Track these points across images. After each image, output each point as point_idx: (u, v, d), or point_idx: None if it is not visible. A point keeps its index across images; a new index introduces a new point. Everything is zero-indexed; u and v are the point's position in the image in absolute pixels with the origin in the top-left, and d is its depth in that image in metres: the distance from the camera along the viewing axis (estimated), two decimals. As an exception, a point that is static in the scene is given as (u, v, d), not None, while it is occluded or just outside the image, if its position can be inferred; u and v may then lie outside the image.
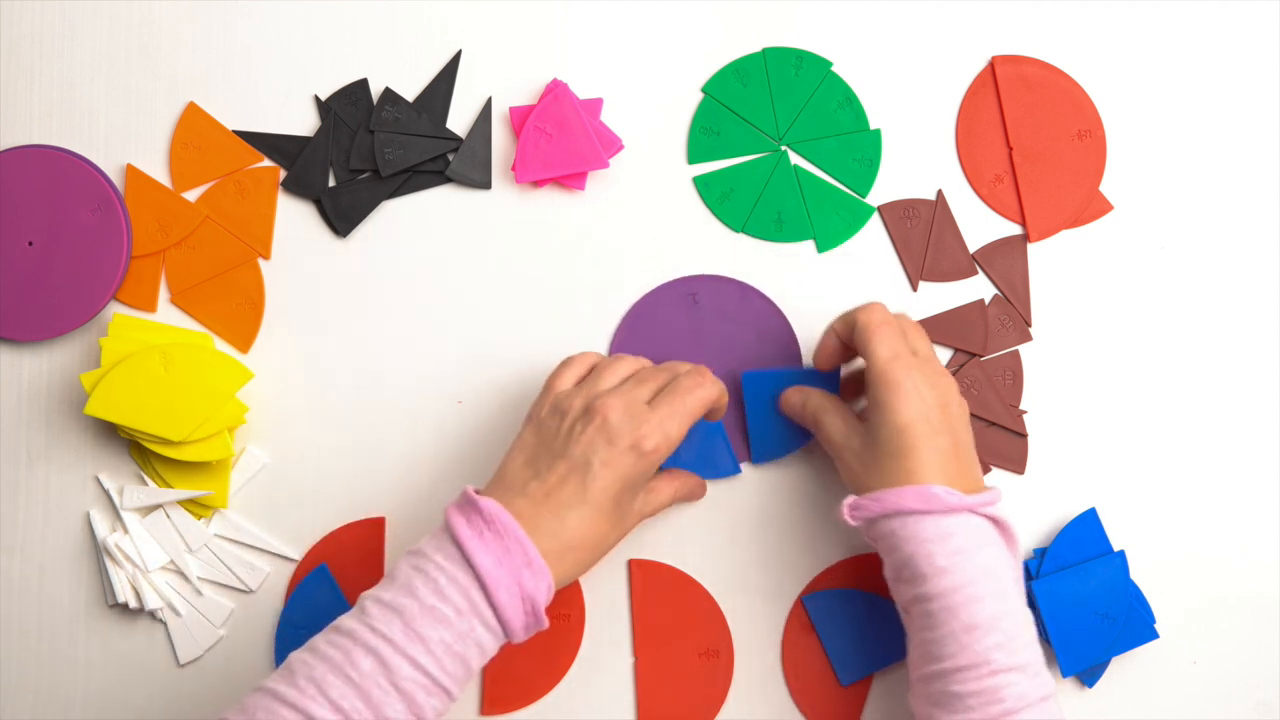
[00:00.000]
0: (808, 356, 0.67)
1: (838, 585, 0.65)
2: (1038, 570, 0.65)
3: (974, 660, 0.52)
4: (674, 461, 0.63)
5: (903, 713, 0.65)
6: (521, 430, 0.59)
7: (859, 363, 0.65)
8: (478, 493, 0.56)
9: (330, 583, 0.65)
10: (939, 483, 0.55)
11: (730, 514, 0.66)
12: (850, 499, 0.57)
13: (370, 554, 0.66)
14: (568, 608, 0.65)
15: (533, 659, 0.65)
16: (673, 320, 0.66)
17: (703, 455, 0.65)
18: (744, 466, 0.66)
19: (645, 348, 0.66)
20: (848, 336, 0.60)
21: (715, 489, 0.66)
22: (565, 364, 0.61)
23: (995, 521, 0.56)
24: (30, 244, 0.66)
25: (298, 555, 0.66)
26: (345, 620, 0.53)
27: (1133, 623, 0.64)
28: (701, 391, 0.58)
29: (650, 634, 0.65)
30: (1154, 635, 0.65)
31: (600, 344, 0.67)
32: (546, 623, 0.55)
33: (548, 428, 0.57)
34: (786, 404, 0.63)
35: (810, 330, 0.67)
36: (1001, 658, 0.52)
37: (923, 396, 0.56)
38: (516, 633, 0.54)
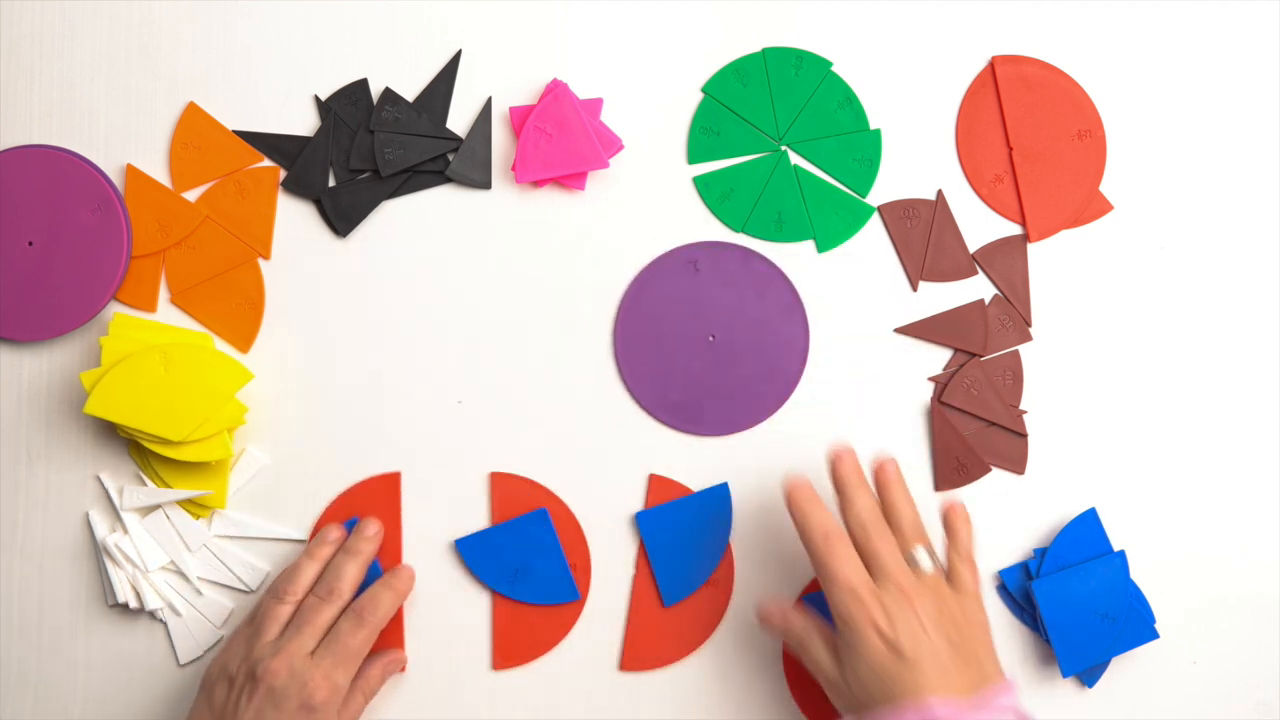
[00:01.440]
0: (811, 317, 0.66)
1: None
2: (1038, 570, 0.65)
3: None
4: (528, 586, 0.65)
5: None
6: (196, 699, 0.60)
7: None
8: None
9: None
10: (936, 691, 0.53)
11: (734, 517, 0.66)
12: None
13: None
14: (576, 558, 0.66)
15: (540, 614, 0.66)
16: (674, 288, 0.66)
17: (544, 582, 0.66)
18: (730, 486, 0.66)
19: (649, 318, 0.66)
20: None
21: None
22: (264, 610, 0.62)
23: (1010, 710, 0.54)
24: (30, 244, 0.66)
25: (303, 536, 0.66)
26: None
27: (1133, 623, 0.64)
28: (362, 634, 0.60)
29: (649, 588, 0.66)
30: (1154, 635, 0.65)
31: (600, 344, 0.67)
32: None
33: (216, 699, 0.59)
34: (765, 621, 0.61)
35: (812, 332, 0.67)
36: None
37: (883, 628, 0.55)
38: None
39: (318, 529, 0.66)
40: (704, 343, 0.66)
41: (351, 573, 0.63)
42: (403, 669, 0.65)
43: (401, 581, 0.64)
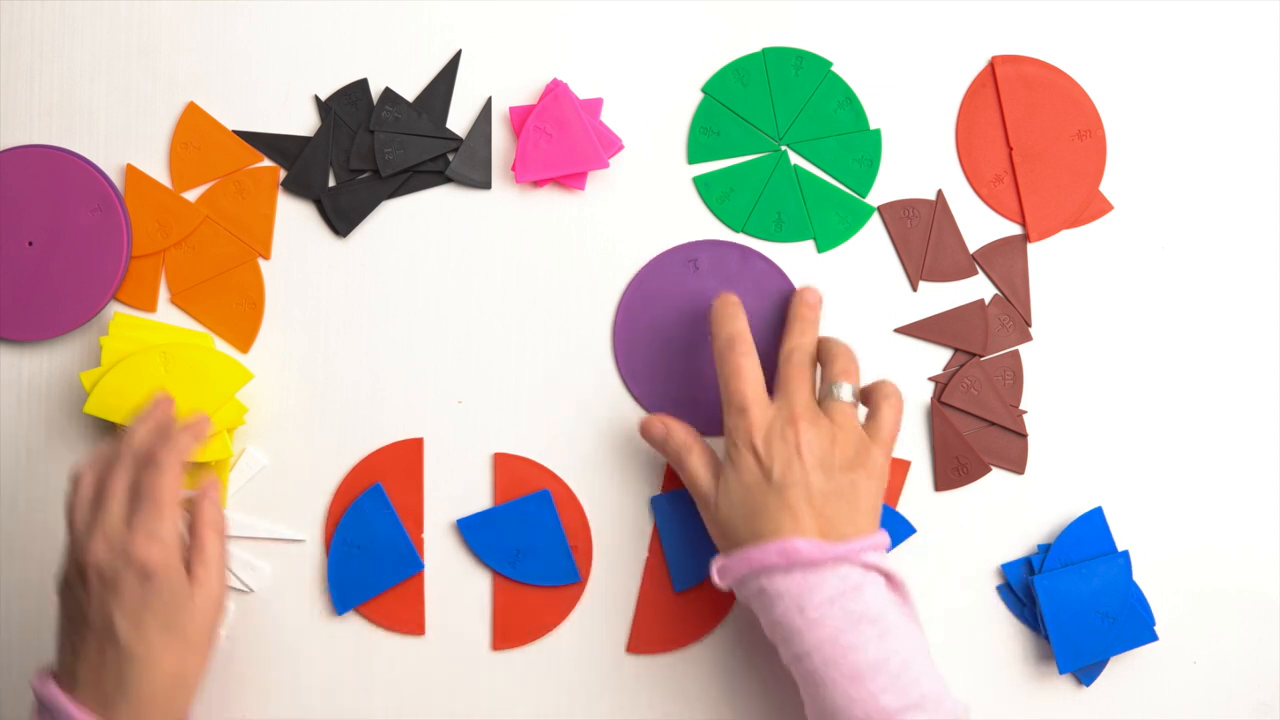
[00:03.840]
0: None
1: None
2: (1041, 565, 0.65)
3: (866, 711, 0.51)
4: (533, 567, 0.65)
5: None
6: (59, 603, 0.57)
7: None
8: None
9: (384, 501, 0.66)
10: (804, 534, 0.53)
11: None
12: (717, 561, 0.56)
13: (370, 554, 0.66)
14: (577, 540, 0.66)
15: (541, 595, 0.66)
16: (674, 287, 0.66)
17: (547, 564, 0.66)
18: None
19: (648, 316, 0.66)
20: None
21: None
22: (71, 502, 0.57)
23: (869, 568, 0.54)
24: (30, 244, 0.66)
25: (303, 536, 0.66)
26: None
27: (1133, 623, 0.64)
28: (164, 477, 0.55)
29: (661, 572, 0.66)
30: (1153, 637, 0.65)
31: (601, 343, 0.67)
32: None
33: (64, 612, 0.55)
34: (647, 432, 0.61)
35: (810, 330, 0.67)
36: (892, 700, 0.51)
37: (762, 454, 0.55)
38: None
39: (337, 502, 0.66)
40: (704, 341, 0.66)
41: (139, 432, 0.57)
42: (218, 486, 0.60)
43: (197, 422, 0.59)
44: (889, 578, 0.55)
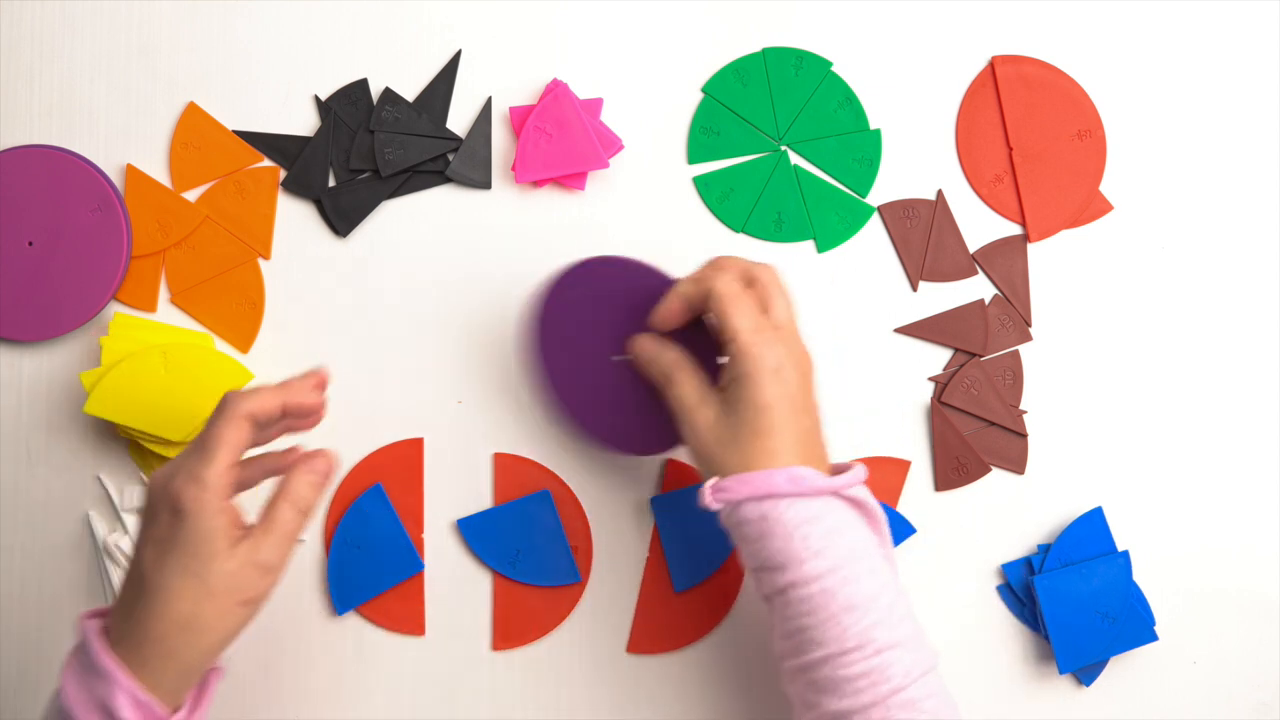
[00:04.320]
0: (811, 317, 0.66)
1: None
2: (1041, 565, 0.65)
3: (858, 642, 0.51)
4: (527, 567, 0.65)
5: None
6: None
7: None
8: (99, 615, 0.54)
9: (384, 501, 0.66)
10: (802, 464, 0.53)
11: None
12: (713, 481, 0.54)
13: (370, 554, 0.66)
14: (577, 540, 0.66)
15: (541, 595, 0.66)
16: (569, 315, 0.61)
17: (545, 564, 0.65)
18: None
19: (562, 358, 0.61)
20: (700, 302, 0.56)
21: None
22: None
23: (857, 504, 0.55)
24: (30, 244, 0.66)
25: (303, 536, 0.66)
26: None
27: (1133, 624, 0.64)
28: (222, 425, 0.53)
29: (661, 572, 0.66)
30: (1153, 637, 0.65)
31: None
32: None
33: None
34: (637, 350, 0.59)
35: (812, 332, 0.67)
36: (883, 635, 0.51)
37: (786, 376, 0.54)
38: None
39: (337, 502, 0.66)
40: (609, 364, 0.61)
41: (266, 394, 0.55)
42: (331, 466, 0.57)
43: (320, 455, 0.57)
44: (869, 513, 0.55)
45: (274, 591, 0.53)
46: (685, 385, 0.57)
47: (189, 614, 0.51)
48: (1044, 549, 0.65)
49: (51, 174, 0.66)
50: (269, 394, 0.55)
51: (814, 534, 0.52)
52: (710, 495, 0.55)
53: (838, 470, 0.56)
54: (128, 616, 0.52)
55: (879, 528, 0.55)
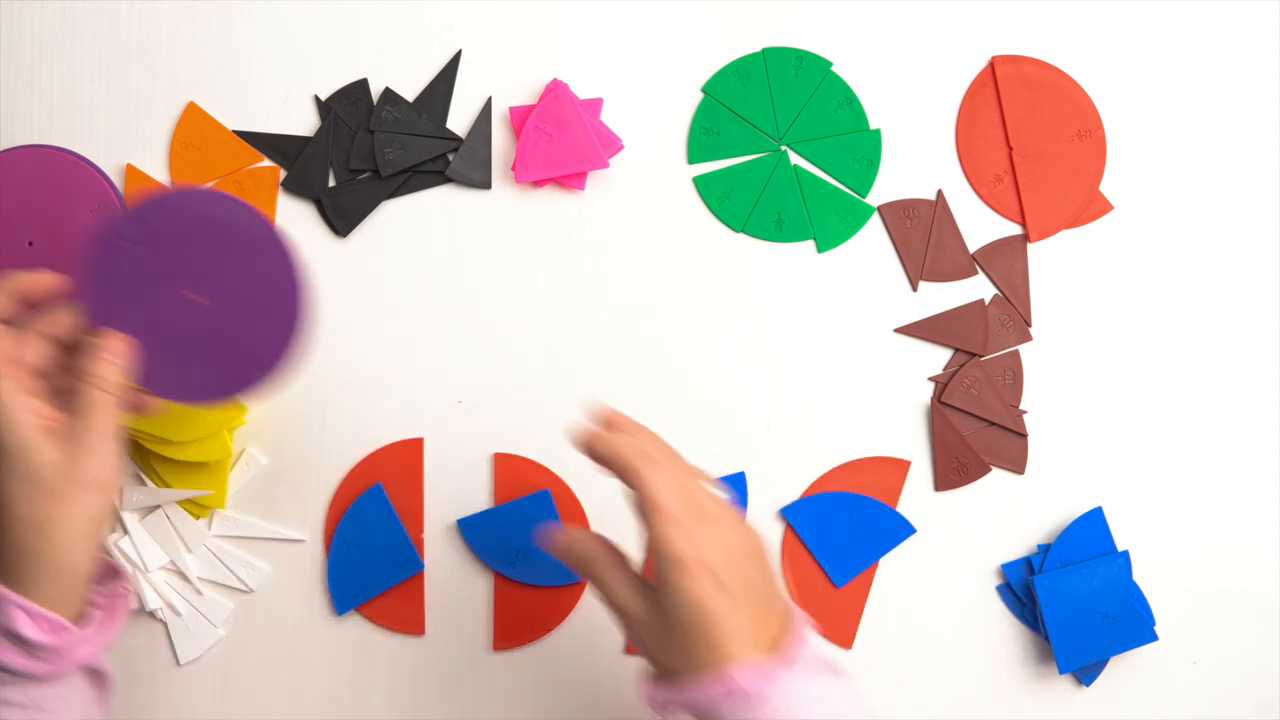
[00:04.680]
0: (809, 317, 0.66)
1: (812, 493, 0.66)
2: (1041, 565, 0.65)
3: None
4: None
5: (905, 609, 0.66)
6: None
7: None
8: None
9: (384, 501, 0.66)
10: (747, 652, 0.48)
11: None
12: (649, 687, 0.51)
13: (370, 554, 0.66)
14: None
15: (541, 595, 0.66)
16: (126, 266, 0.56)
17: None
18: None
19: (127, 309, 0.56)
20: (609, 467, 0.52)
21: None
22: None
23: (807, 662, 0.50)
24: (30, 244, 0.66)
25: (303, 536, 0.66)
26: None
27: (1133, 624, 0.64)
28: None
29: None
30: (1153, 637, 0.65)
31: (601, 343, 0.67)
32: (73, 636, 0.51)
33: None
34: (551, 545, 0.54)
35: (811, 332, 0.67)
36: None
37: (712, 565, 0.49)
38: (29, 666, 0.51)
39: (337, 501, 0.66)
40: (185, 304, 0.56)
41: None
42: (123, 348, 0.54)
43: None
44: (829, 668, 0.51)
45: (118, 476, 0.53)
46: (617, 587, 0.52)
47: (35, 516, 0.50)
48: (1044, 549, 0.66)
49: (51, 174, 0.66)
50: (9, 280, 0.54)
51: None
52: (646, 701, 0.51)
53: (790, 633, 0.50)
54: None
55: (840, 677, 0.51)
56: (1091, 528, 0.65)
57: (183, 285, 0.56)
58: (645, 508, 0.50)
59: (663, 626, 0.50)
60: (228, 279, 0.56)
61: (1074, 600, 0.64)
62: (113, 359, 0.54)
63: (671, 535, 0.49)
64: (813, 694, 0.49)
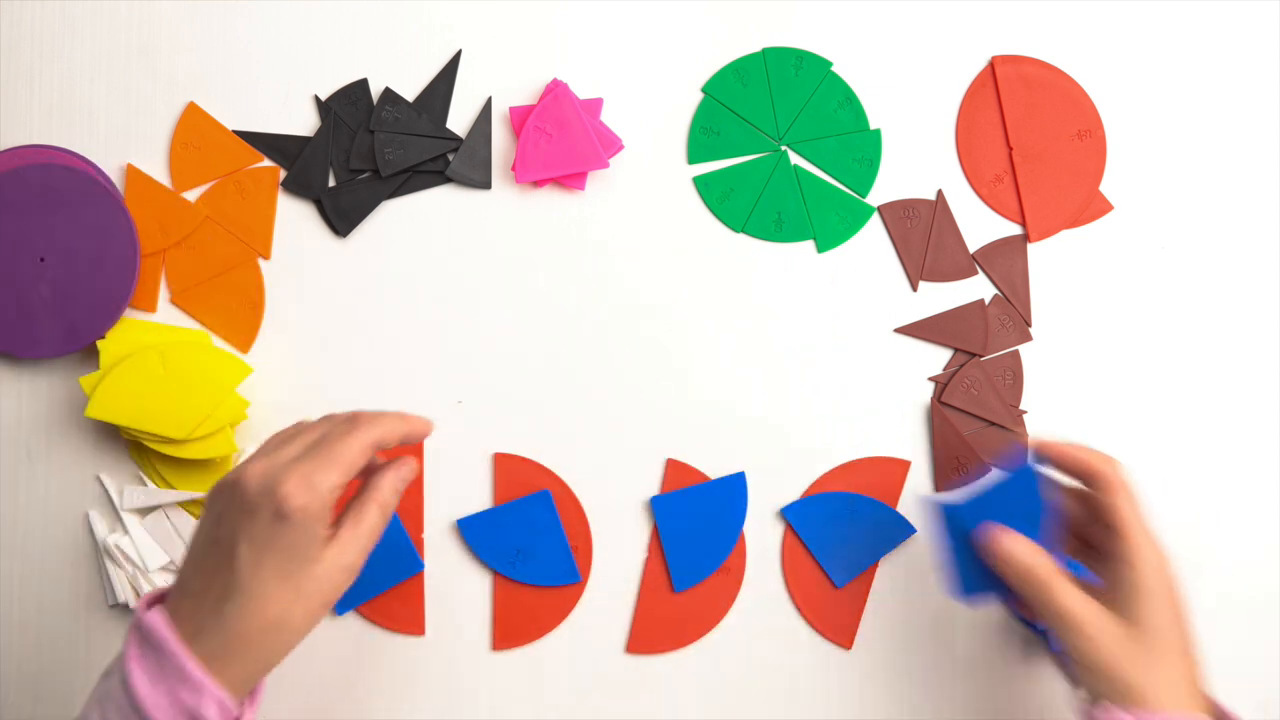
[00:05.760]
0: (809, 317, 0.67)
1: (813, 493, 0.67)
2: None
3: None
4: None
5: (905, 609, 0.66)
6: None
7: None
8: (157, 602, 0.53)
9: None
10: (1196, 709, 0.49)
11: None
12: (1105, 710, 0.50)
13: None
14: (577, 540, 0.66)
15: (540, 595, 0.66)
16: None
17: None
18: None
19: None
20: (1083, 477, 0.54)
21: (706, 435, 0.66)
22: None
23: None
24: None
25: None
26: None
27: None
28: (353, 437, 0.52)
29: (660, 572, 0.66)
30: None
31: (601, 343, 0.67)
32: None
33: (205, 515, 0.53)
34: (1006, 548, 0.54)
35: (811, 332, 0.67)
36: None
37: (1175, 590, 0.51)
38: None
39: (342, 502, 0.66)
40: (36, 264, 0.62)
41: (377, 419, 0.55)
42: (416, 474, 0.57)
43: (409, 463, 0.57)
44: None
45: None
46: (1069, 594, 0.52)
47: (280, 616, 0.50)
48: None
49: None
50: (394, 424, 0.55)
51: None
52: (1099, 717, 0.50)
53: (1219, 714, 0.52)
54: (213, 613, 0.50)
55: None
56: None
57: (19, 249, 0.61)
58: (1124, 512, 0.52)
59: (1128, 640, 0.50)
60: (59, 237, 0.62)
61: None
62: (402, 484, 0.56)
63: (1150, 548, 0.51)
64: None
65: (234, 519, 0.51)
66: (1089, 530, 0.56)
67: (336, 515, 0.53)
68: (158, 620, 0.50)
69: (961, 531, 0.57)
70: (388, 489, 0.55)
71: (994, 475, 0.58)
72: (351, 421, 0.54)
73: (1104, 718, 0.50)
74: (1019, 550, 0.54)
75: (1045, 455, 0.55)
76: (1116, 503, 0.53)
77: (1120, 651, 0.50)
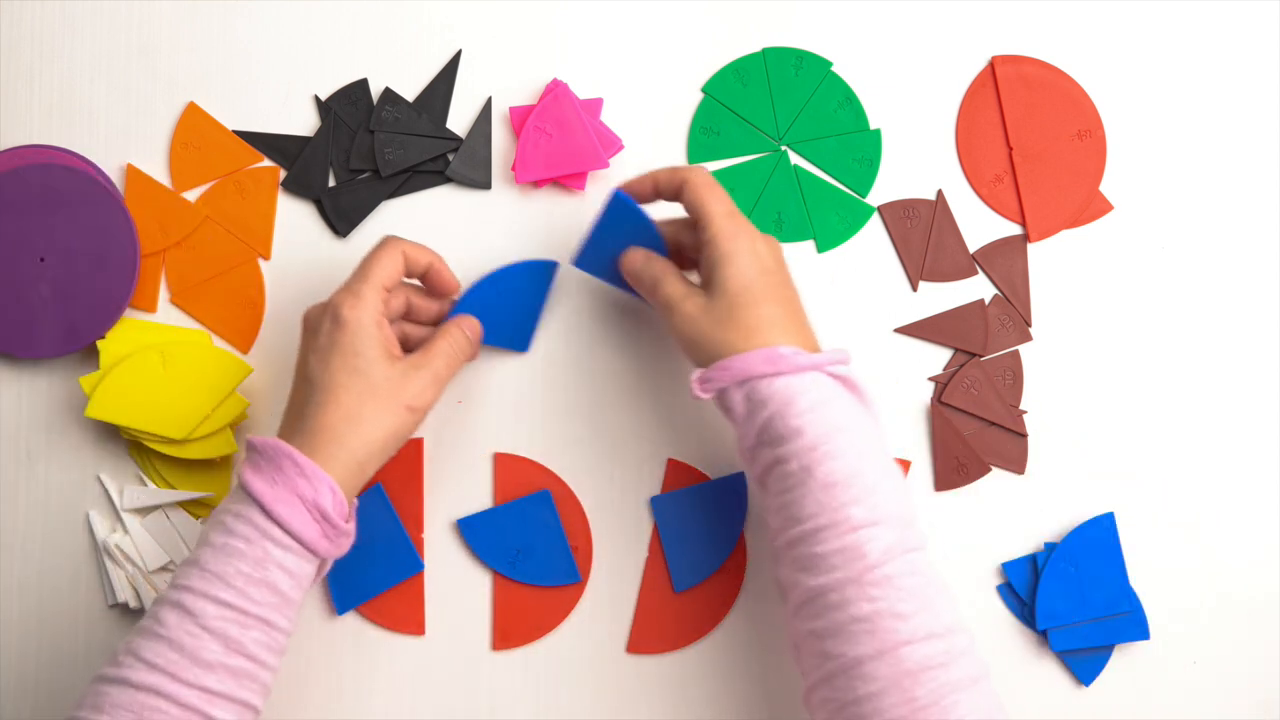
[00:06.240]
0: (808, 317, 0.66)
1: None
2: (1043, 564, 0.65)
3: (833, 519, 0.51)
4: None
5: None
6: None
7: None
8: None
9: (384, 501, 0.66)
10: (786, 341, 0.55)
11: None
12: (698, 372, 0.56)
13: (370, 554, 0.66)
14: (577, 540, 0.66)
15: (540, 595, 0.66)
16: None
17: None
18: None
19: None
20: (669, 187, 0.60)
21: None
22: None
23: (842, 380, 0.55)
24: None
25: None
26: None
27: (1128, 624, 0.65)
28: (379, 255, 0.59)
29: (660, 572, 0.66)
30: (1145, 635, 0.65)
31: (601, 343, 0.67)
32: (349, 528, 0.57)
33: (297, 363, 0.60)
34: (628, 263, 0.61)
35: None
36: (860, 513, 0.51)
37: (760, 253, 0.57)
38: (316, 543, 0.55)
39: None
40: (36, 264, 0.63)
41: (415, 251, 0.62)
42: (477, 333, 0.63)
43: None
44: (854, 389, 0.56)
45: (426, 413, 0.59)
46: (672, 284, 0.59)
47: (353, 408, 0.56)
48: (1049, 548, 0.66)
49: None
50: (422, 247, 0.61)
51: (792, 411, 0.53)
52: (697, 386, 0.56)
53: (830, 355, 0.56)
54: (299, 416, 0.57)
55: (867, 404, 0.56)
56: (1100, 531, 0.65)
57: (19, 249, 0.63)
58: (701, 197, 0.58)
59: (709, 310, 0.56)
60: (59, 237, 0.63)
61: (1070, 598, 0.64)
62: (469, 330, 0.62)
63: (727, 221, 0.57)
64: (830, 398, 0.54)
65: (306, 344, 0.59)
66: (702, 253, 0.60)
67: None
68: (268, 438, 0.56)
69: (616, 231, 0.61)
70: (458, 334, 0.61)
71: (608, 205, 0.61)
72: (379, 243, 0.60)
73: (694, 384, 0.57)
74: (636, 258, 0.61)
75: (631, 191, 0.61)
76: (697, 196, 0.58)
77: (705, 319, 0.57)
